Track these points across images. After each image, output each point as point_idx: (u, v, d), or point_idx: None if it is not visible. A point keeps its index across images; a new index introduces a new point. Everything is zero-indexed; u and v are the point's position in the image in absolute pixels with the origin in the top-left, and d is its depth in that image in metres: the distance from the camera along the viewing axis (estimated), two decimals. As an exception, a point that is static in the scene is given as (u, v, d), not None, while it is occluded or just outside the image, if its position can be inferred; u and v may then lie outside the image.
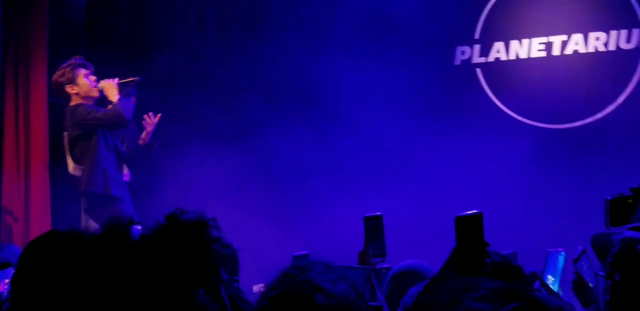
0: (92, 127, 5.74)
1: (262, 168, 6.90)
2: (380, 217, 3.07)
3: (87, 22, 7.27)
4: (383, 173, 6.72)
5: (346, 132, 6.87)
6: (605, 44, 6.53)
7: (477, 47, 6.96)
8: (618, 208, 2.75)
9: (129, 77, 5.85)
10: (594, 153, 6.31)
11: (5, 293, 2.91)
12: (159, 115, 5.93)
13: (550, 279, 2.89)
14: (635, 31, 6.46)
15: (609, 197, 2.76)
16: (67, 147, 5.86)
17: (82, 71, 5.85)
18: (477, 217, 2.34)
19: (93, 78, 5.87)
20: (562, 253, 2.87)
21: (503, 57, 6.88)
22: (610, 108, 6.50)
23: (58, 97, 6.03)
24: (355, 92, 6.97)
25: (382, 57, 6.94)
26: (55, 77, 5.90)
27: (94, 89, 5.85)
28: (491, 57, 6.92)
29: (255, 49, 7.23)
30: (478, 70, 6.96)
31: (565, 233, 5.66)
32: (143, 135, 5.93)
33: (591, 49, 6.57)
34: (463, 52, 7.02)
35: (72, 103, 5.84)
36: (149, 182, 6.73)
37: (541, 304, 1.06)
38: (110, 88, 5.81)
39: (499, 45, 6.89)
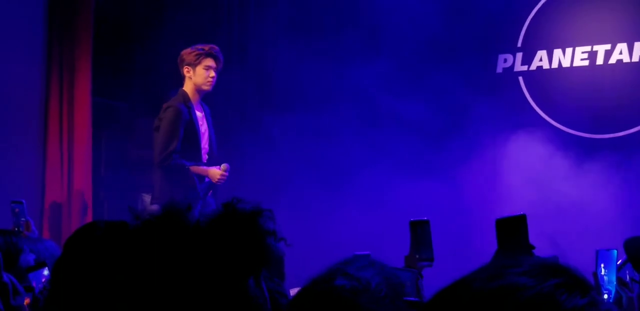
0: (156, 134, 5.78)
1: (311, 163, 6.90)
2: (427, 221, 3.06)
3: (130, 24, 7.36)
4: (420, 178, 6.68)
5: (390, 127, 6.86)
6: (651, 54, 6.48)
7: (519, 55, 6.93)
8: None
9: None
10: (636, 162, 6.24)
11: (43, 292, 2.94)
12: (226, 165, 5.78)
13: (605, 279, 2.87)
14: (681, 41, 6.40)
15: None
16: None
17: (208, 62, 5.77)
18: (521, 219, 2.31)
19: (212, 74, 5.78)
20: (614, 250, 2.85)
21: (545, 66, 6.84)
22: (654, 119, 6.44)
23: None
24: (402, 94, 6.92)
25: (425, 64, 6.94)
26: (184, 52, 5.85)
27: (207, 83, 5.78)
28: (533, 66, 6.89)
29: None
30: (520, 79, 6.93)
31: (608, 241, 5.60)
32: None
33: (635, 59, 6.51)
34: (505, 60, 6.99)
35: (185, 86, 5.83)
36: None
37: (583, 282, 1.06)
38: (211, 174, 5.71)
39: (541, 54, 6.86)
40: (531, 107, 6.85)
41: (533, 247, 2.34)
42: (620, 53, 6.57)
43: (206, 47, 5.78)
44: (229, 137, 6.93)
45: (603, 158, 6.39)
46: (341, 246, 5.39)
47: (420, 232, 3.06)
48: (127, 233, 2.38)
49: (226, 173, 5.68)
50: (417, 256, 3.06)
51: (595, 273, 2.97)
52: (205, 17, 7.39)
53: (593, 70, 6.65)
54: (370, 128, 6.95)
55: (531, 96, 6.88)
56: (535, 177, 6.48)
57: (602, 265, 2.91)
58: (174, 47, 6.91)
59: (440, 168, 6.68)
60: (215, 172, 5.67)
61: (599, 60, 6.63)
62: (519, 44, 6.94)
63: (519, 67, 6.95)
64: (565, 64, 6.77)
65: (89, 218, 6.44)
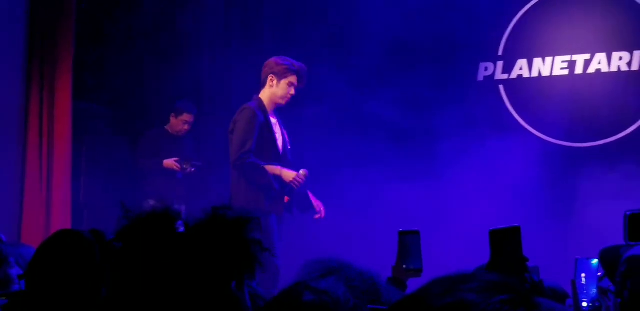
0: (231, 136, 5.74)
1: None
2: (417, 231, 3.04)
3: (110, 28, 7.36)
4: (401, 184, 6.72)
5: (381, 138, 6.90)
6: (629, 64, 6.55)
7: (500, 64, 7.00)
8: (637, 223, 2.76)
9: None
10: (614, 171, 6.31)
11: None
12: (305, 171, 5.72)
13: (584, 287, 2.89)
14: (659, 52, 6.48)
15: (628, 212, 2.78)
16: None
17: (292, 79, 5.74)
18: (515, 231, 2.28)
19: (292, 92, 5.76)
20: (594, 259, 2.87)
21: (526, 74, 6.91)
22: (631, 129, 6.51)
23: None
24: (383, 101, 6.95)
25: (407, 71, 6.99)
26: (275, 60, 5.78)
27: (285, 98, 5.74)
28: (514, 74, 6.95)
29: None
30: (501, 87, 6.99)
31: (583, 249, 5.65)
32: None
33: (614, 69, 6.59)
34: (486, 69, 7.05)
35: (261, 94, 5.77)
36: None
37: (530, 299, 1.09)
38: (285, 176, 5.65)
39: (522, 63, 6.92)
40: (511, 115, 6.91)
41: (527, 259, 2.32)
42: (599, 63, 6.65)
43: (296, 65, 5.77)
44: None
45: (581, 167, 6.46)
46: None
47: (409, 241, 3.04)
48: (107, 239, 2.38)
49: (303, 178, 5.66)
50: (405, 266, 3.05)
51: (574, 281, 3.00)
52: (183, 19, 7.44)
53: (572, 79, 6.73)
54: (353, 136, 6.98)
55: (511, 104, 6.94)
56: (514, 184, 6.53)
57: (583, 275, 2.94)
58: (156, 51, 6.94)
59: (421, 175, 6.72)
60: (289, 173, 5.64)
61: (578, 70, 6.71)
62: (500, 53, 7.00)
63: (499, 76, 7.01)
64: (545, 73, 6.84)
65: (68, 226, 6.40)
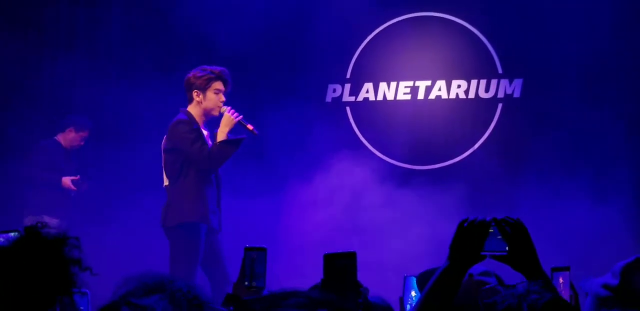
0: (178, 153, 5.49)
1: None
2: (264, 249, 2.90)
3: None
4: (248, 200, 6.82)
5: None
6: (466, 92, 6.94)
7: (347, 86, 7.24)
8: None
9: (250, 124, 5.55)
10: (448, 194, 6.63)
11: None
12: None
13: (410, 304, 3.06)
14: (493, 82, 6.90)
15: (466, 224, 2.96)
16: (163, 155, 5.59)
17: (217, 85, 5.55)
18: (350, 256, 2.25)
19: (222, 98, 5.56)
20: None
21: (372, 97, 7.18)
22: (466, 154, 6.88)
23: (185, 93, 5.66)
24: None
25: (255, 90, 7.13)
26: (193, 75, 5.57)
27: (217, 108, 5.53)
28: (360, 97, 7.21)
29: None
30: (347, 108, 7.23)
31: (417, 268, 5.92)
32: None
33: (453, 96, 6.96)
34: (334, 90, 7.28)
35: (189, 108, 5.57)
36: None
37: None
38: (228, 122, 5.47)
39: (368, 86, 7.19)
40: (357, 136, 7.16)
41: (360, 285, 2.28)
42: (440, 89, 7.00)
43: (216, 70, 5.58)
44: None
45: (417, 188, 6.75)
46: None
47: (255, 258, 2.92)
48: None
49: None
50: (247, 283, 2.90)
51: (402, 298, 3.16)
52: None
53: (415, 104, 7.05)
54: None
55: (357, 125, 7.19)
56: (355, 203, 6.78)
57: (413, 292, 3.11)
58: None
59: (265, 192, 6.86)
60: None
61: (420, 95, 7.04)
62: (348, 75, 7.25)
63: (347, 97, 7.26)
64: (390, 96, 7.13)
65: None
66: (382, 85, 7.16)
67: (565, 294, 2.65)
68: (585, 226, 6.27)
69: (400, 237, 6.59)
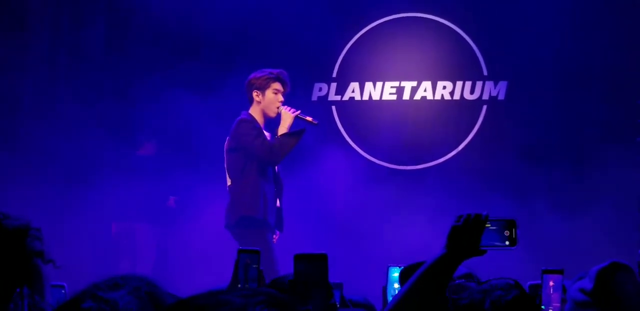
0: (240, 152, 5.66)
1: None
2: (257, 251, 2.89)
3: None
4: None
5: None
6: (451, 93, 6.99)
7: (334, 85, 7.28)
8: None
9: (309, 116, 5.76)
10: (431, 195, 6.68)
11: None
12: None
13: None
14: (478, 83, 6.94)
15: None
16: (226, 156, 5.76)
17: (276, 85, 5.77)
18: (321, 258, 2.25)
19: (281, 98, 5.78)
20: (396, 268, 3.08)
21: (357, 97, 7.22)
22: (450, 155, 6.92)
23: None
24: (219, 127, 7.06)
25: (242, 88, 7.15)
26: (254, 76, 5.81)
27: (274, 109, 5.75)
28: (346, 96, 7.25)
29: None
30: (333, 107, 7.27)
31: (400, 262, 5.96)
32: None
33: (438, 97, 7.01)
34: (320, 89, 7.32)
35: (251, 110, 5.76)
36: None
37: (284, 301, 1.27)
38: (287, 118, 5.72)
39: (354, 85, 7.23)
40: (342, 135, 7.19)
41: (331, 287, 2.28)
42: (425, 90, 7.05)
43: (274, 72, 5.82)
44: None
45: (400, 188, 6.80)
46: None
47: (248, 261, 2.87)
48: None
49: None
50: (240, 286, 2.81)
51: (385, 288, 3.21)
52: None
53: (400, 104, 7.09)
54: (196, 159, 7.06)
55: (342, 125, 7.23)
56: (338, 201, 6.82)
57: (395, 284, 3.16)
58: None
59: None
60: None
61: (406, 96, 7.08)
62: (334, 75, 7.28)
63: (333, 97, 7.29)
64: (376, 96, 7.17)
65: None
66: (368, 85, 7.19)
67: (556, 298, 2.67)
68: (564, 229, 6.33)
69: (381, 236, 6.63)
